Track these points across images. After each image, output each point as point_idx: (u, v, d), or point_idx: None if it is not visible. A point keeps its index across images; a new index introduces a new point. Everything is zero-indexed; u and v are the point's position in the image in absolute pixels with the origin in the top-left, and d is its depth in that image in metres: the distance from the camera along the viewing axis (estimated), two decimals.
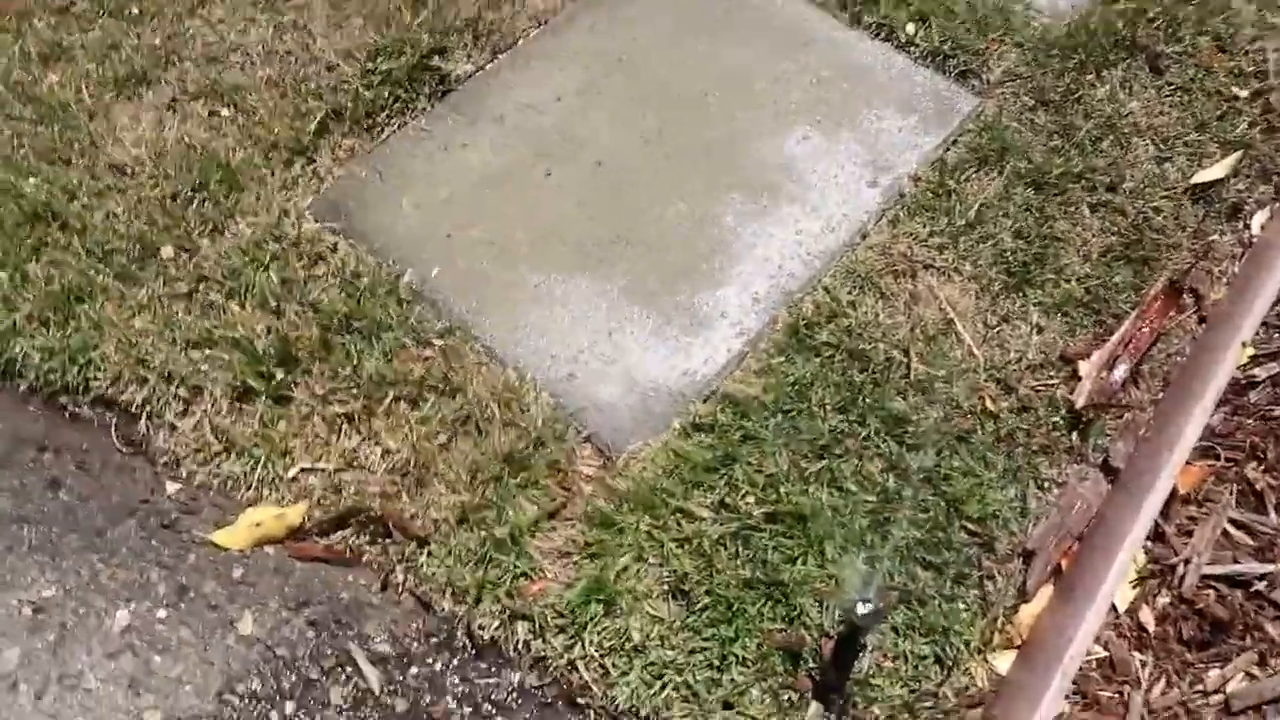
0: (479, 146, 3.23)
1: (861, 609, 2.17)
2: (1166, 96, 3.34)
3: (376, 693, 2.44)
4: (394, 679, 2.46)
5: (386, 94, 3.29)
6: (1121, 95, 3.33)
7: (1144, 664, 2.49)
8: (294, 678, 2.45)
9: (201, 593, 2.54)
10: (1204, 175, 3.16)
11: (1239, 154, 3.18)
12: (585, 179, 3.15)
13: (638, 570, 2.50)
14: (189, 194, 3.10)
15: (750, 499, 2.58)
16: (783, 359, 2.80)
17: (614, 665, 2.42)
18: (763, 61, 3.43)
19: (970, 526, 2.58)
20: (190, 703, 2.39)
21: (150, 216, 3.05)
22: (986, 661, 2.47)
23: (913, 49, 3.45)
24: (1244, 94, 3.33)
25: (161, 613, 2.51)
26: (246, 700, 2.42)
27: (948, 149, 3.22)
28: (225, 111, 3.29)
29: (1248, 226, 3.12)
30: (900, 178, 3.15)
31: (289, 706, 2.42)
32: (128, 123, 3.29)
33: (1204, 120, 3.28)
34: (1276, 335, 2.91)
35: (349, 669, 2.46)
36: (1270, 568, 2.49)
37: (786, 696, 2.39)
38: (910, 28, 3.45)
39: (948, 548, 2.54)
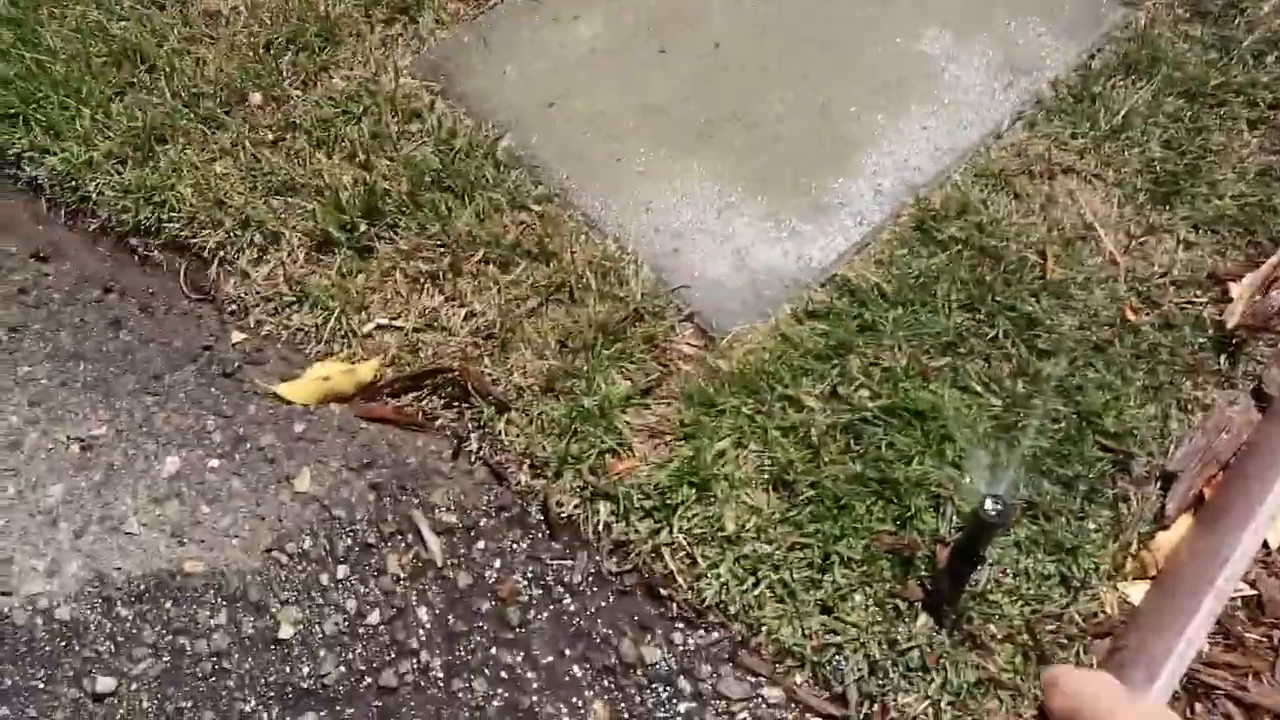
0: (590, 19, 2.91)
1: (990, 506, 1.83)
2: None
3: (438, 564, 2.13)
4: (458, 552, 2.15)
5: None
6: None
7: None
8: (350, 541, 2.15)
9: (258, 445, 2.25)
10: None
11: None
12: (701, 59, 2.82)
13: (736, 456, 2.18)
14: (283, 44, 2.82)
15: (864, 391, 2.25)
16: (906, 251, 2.46)
17: (703, 555, 2.09)
18: None
19: (1105, 442, 2.23)
20: (235, 557, 2.11)
21: (241, 63, 2.78)
22: (1117, 589, 2.12)
23: None
24: None
25: (214, 462, 2.22)
26: (296, 559, 2.13)
27: (1092, 56, 2.85)
28: None
29: None
30: (1039, 81, 2.79)
31: (341, 570, 2.12)
32: None
33: None
34: None
35: (410, 537, 2.16)
36: None
37: (893, 605, 2.05)
38: None
39: (1080, 461, 2.19)
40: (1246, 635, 2.10)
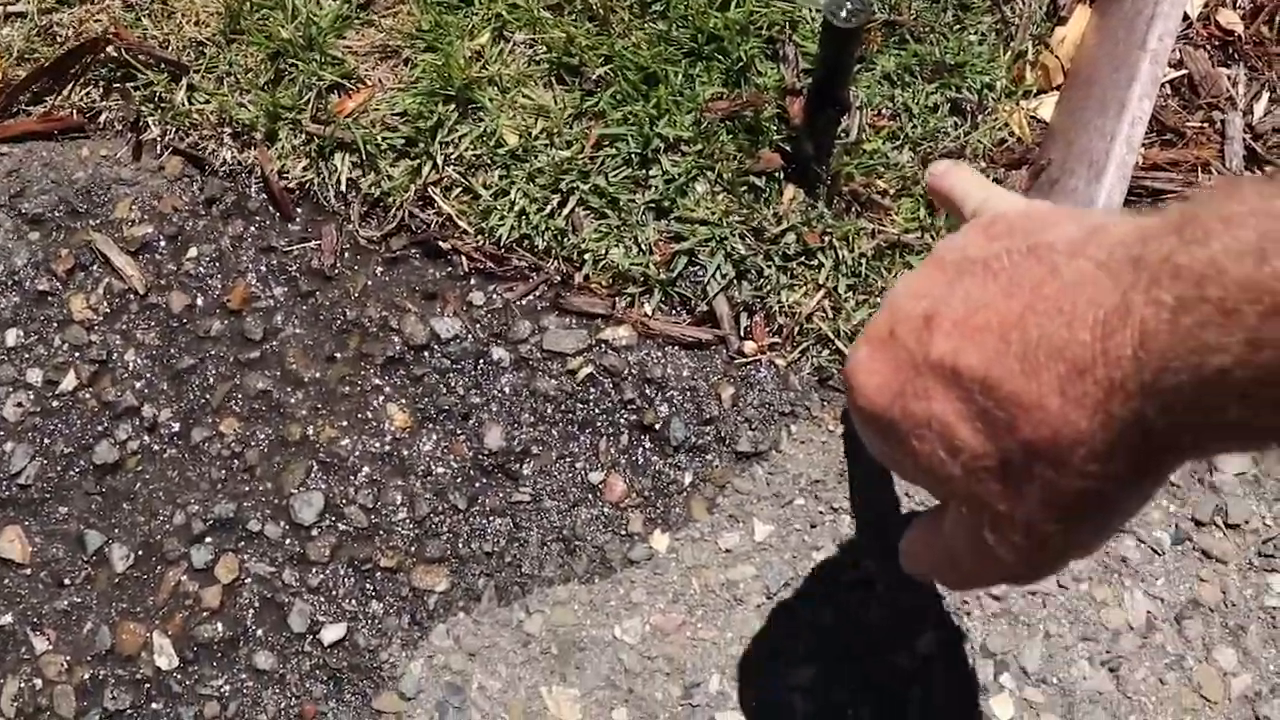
0: None
1: (842, 7, 1.17)
2: None
3: (140, 291, 1.43)
4: (164, 270, 1.45)
5: None
6: None
7: (1234, 80, 1.54)
8: (14, 298, 1.44)
9: None
10: None
11: None
12: None
13: (500, 52, 1.49)
14: None
15: None
16: None
17: (485, 184, 1.42)
18: None
19: None
20: None
21: None
22: (1021, 106, 1.50)
23: None
24: None
25: None
26: None
27: None
28: None
29: None
30: None
31: (11, 336, 1.41)
32: None
33: None
34: None
35: (97, 268, 1.45)
36: None
37: (746, 184, 1.41)
38: None
39: None
40: (1185, 125, 1.52)
